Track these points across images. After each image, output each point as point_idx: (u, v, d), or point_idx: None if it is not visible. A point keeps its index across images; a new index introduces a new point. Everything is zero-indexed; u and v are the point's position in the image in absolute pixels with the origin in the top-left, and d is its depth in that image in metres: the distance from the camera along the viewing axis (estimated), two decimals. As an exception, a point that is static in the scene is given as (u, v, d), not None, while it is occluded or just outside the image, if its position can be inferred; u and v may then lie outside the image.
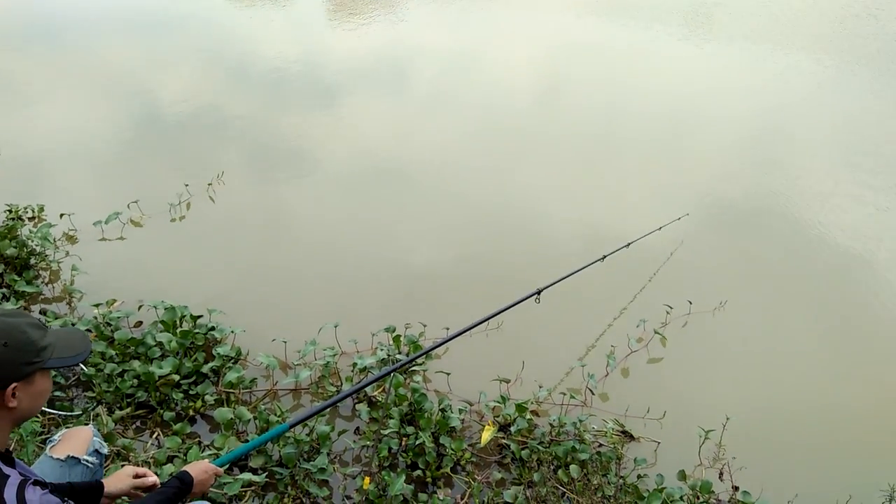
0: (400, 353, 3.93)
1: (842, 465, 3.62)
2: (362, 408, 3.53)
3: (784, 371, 4.33)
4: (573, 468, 3.19)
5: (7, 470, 1.62)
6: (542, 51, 11.64)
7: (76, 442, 2.16)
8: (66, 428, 3.01)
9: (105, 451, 2.25)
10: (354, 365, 3.78)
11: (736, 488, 3.25)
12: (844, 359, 4.51)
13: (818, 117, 9.12)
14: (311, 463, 3.07)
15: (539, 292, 3.85)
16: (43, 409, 3.08)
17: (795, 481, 3.28)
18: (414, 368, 3.84)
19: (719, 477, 3.37)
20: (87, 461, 2.13)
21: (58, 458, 2.09)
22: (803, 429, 3.86)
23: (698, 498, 3.12)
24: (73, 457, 2.10)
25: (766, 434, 3.76)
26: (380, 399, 3.61)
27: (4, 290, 4.06)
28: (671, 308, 4.60)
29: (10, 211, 5.00)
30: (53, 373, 3.29)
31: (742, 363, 4.38)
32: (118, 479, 2.13)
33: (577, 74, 10.44)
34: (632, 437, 3.61)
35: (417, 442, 3.25)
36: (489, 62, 10.77)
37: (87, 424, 3.06)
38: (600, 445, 3.46)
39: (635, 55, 11.55)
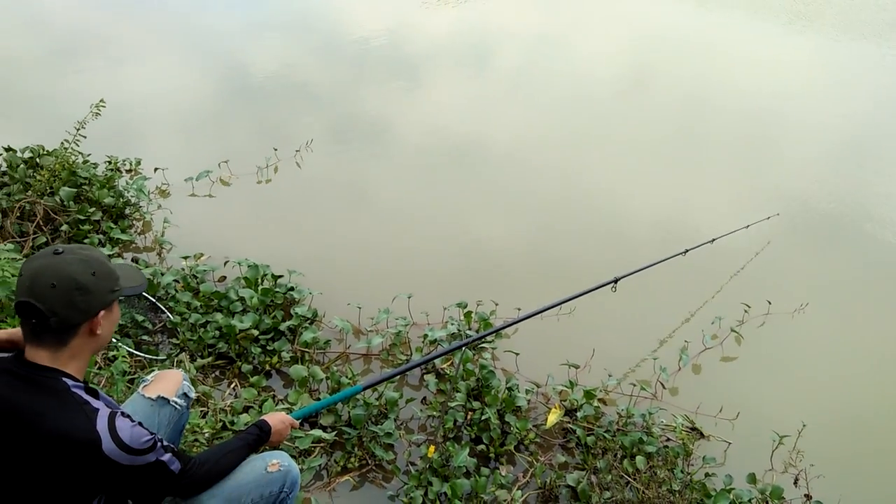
0: (470, 328, 3.95)
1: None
2: (430, 379, 3.57)
3: (864, 379, 4.15)
4: (639, 459, 3.15)
5: (95, 403, 1.69)
6: (631, 39, 11.34)
7: (167, 384, 2.26)
8: (152, 370, 3.18)
9: (193, 395, 2.35)
10: (425, 336, 3.82)
11: (808, 497, 3.14)
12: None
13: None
14: (379, 426, 3.14)
15: (616, 281, 3.80)
16: (131, 351, 3.26)
17: (873, 495, 3.14)
18: (483, 345, 3.86)
19: (794, 483, 3.25)
20: (175, 402, 2.23)
21: (149, 398, 2.19)
22: (884, 440, 3.69)
23: (767, 502, 3.04)
24: (163, 397, 2.20)
25: (843, 443, 3.62)
26: (448, 372, 3.64)
27: (101, 236, 4.28)
28: (749, 307, 4.46)
29: (110, 162, 5.24)
30: (141, 318, 3.48)
31: (819, 368, 4.21)
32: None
33: (665, 65, 10.13)
34: (702, 435, 3.53)
35: (483, 417, 3.27)
36: (575, 49, 10.57)
37: (172, 368, 3.23)
38: (668, 440, 3.40)
39: (730, 46, 11.12)
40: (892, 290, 5.09)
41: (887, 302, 4.93)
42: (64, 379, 1.68)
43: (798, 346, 4.38)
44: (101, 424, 1.65)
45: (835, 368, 4.22)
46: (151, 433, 1.75)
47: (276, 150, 5.83)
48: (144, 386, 2.25)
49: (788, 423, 3.46)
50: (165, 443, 1.79)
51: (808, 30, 12.47)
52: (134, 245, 4.51)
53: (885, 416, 3.89)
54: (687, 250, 4.43)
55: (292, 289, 3.97)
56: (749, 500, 3.01)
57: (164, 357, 3.38)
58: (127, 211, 4.68)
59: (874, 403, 3.97)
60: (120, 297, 1.80)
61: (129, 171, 5.34)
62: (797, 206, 6.07)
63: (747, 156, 7.14)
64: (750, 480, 3.16)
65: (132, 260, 4.24)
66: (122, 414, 1.72)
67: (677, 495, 2.94)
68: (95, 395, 1.75)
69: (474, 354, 3.75)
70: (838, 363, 4.27)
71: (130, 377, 3.12)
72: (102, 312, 1.71)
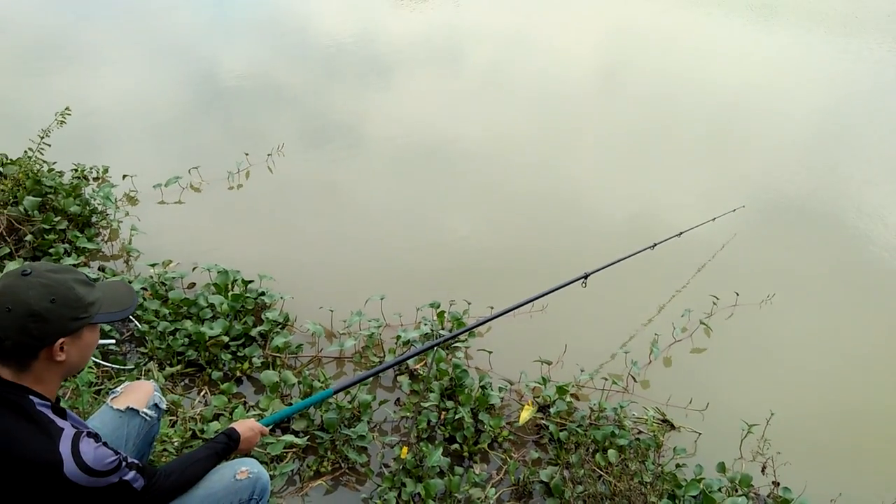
0: (443, 328, 3.96)
1: (888, 468, 3.52)
2: (403, 380, 3.58)
3: (831, 368, 4.23)
4: (611, 453, 3.18)
5: (60, 422, 1.66)
6: (600, 36, 11.45)
7: (137, 395, 2.23)
8: (119, 381, 3.15)
9: (164, 405, 2.33)
10: (398, 337, 3.83)
11: (777, 484, 3.19)
12: (894, 360, 4.37)
13: (885, 110, 8.77)
14: (352, 429, 3.14)
15: (586, 276, 3.82)
16: (97, 361, 3.23)
17: (839, 481, 3.20)
18: (456, 345, 3.88)
19: (762, 471, 3.31)
20: (145, 414, 2.20)
21: (117, 409, 2.17)
22: (850, 428, 3.78)
23: (737, 490, 3.08)
24: (132, 409, 2.18)
25: (810, 432, 3.69)
26: (421, 372, 3.65)
27: (66, 245, 4.21)
28: (718, 299, 4.53)
29: (76, 170, 5.17)
30: (108, 327, 3.44)
31: (787, 358, 4.28)
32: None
33: (634, 62, 10.23)
34: (672, 427, 3.57)
35: (456, 416, 3.28)
36: (546, 46, 10.64)
37: (138, 379, 3.19)
38: (640, 432, 3.44)
39: (697, 42, 11.25)
40: (857, 278, 5.20)
41: (853, 290, 5.04)
42: (30, 397, 1.65)
43: (766, 336, 4.45)
44: (64, 446, 1.62)
45: (802, 358, 4.30)
46: (116, 453, 1.72)
47: (247, 154, 5.80)
48: (113, 398, 2.22)
49: (757, 412, 3.52)
50: (130, 460, 1.77)
51: (773, 23, 12.66)
52: (101, 253, 4.46)
53: (850, 403, 3.97)
54: (655, 244, 4.48)
55: (263, 293, 3.95)
56: (719, 489, 3.05)
57: (132, 366, 3.35)
58: (94, 219, 4.62)
59: (840, 392, 4.06)
60: (90, 324, 1.73)
61: (96, 178, 5.28)
62: (763, 197, 6.17)
63: (715, 149, 7.25)
64: (720, 469, 3.21)
65: (98, 269, 4.18)
66: (88, 434, 1.69)
67: (649, 487, 2.98)
68: (63, 414, 1.72)
69: (447, 354, 3.76)
70: (805, 353, 4.35)
71: (97, 388, 3.09)
72: (64, 340, 1.66)
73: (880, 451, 3.66)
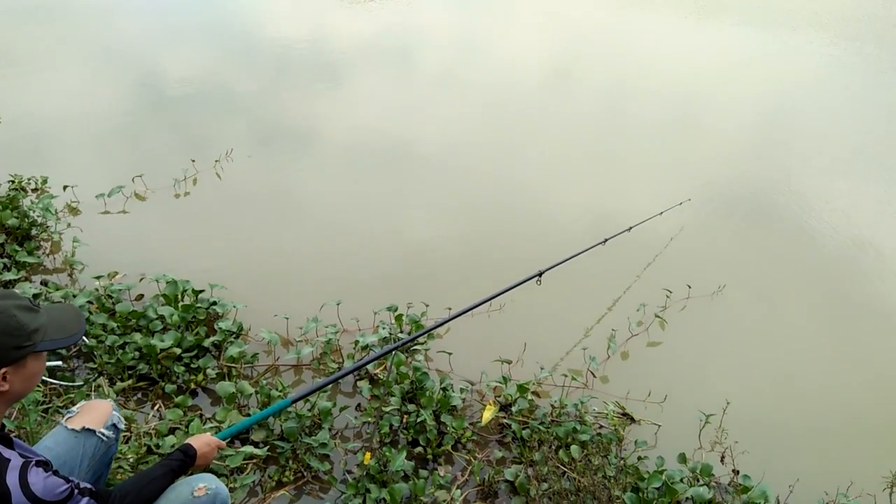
0: (402, 331, 3.92)
1: (843, 451, 3.63)
2: (364, 385, 3.53)
3: (784, 355, 4.34)
4: (574, 449, 3.19)
5: (7, 453, 1.60)
6: (549, 34, 11.57)
7: (94, 415, 2.16)
8: (68, 397, 3.03)
9: (122, 426, 2.25)
10: (356, 342, 3.78)
11: (736, 472, 3.25)
12: (845, 344, 4.53)
13: (825, 101, 9.09)
14: (313, 438, 3.08)
15: (540, 274, 3.84)
16: (44, 378, 3.09)
17: (797, 466, 3.28)
18: (416, 347, 3.84)
19: (721, 460, 3.37)
20: (102, 434, 2.13)
21: (72, 429, 2.09)
22: (804, 414, 3.88)
23: (698, 480, 3.13)
24: (88, 429, 2.10)
25: (766, 419, 3.77)
26: (381, 377, 3.61)
27: (6, 260, 4.04)
28: (671, 292, 4.60)
29: (13, 181, 4.96)
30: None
31: (741, 348, 4.39)
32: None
33: (583, 58, 10.39)
34: (633, 420, 3.61)
35: (419, 419, 3.25)
36: (497, 44, 10.72)
37: (88, 395, 3.08)
38: (601, 427, 3.47)
39: (643, 38, 11.47)
40: (804, 265, 5.36)
41: (800, 279, 5.19)
42: None
43: (719, 326, 4.55)
44: (12, 478, 1.56)
45: (754, 347, 4.40)
46: (68, 480, 1.66)
47: (193, 161, 5.66)
48: (69, 417, 2.14)
49: (714, 402, 3.59)
50: (83, 485, 1.70)
51: (715, 22, 12.99)
52: (42, 267, 4.28)
53: (803, 390, 4.08)
54: (606, 240, 4.54)
55: (215, 303, 3.85)
56: (681, 479, 3.09)
57: (82, 383, 3.21)
58: (33, 232, 4.44)
59: (793, 378, 4.16)
60: (34, 352, 1.65)
61: (34, 189, 5.08)
62: (708, 190, 6.32)
63: (664, 145, 7.40)
64: (681, 460, 3.26)
65: (41, 283, 4.01)
66: (37, 463, 1.62)
67: (612, 481, 3.00)
68: (9, 443, 1.65)
69: (407, 357, 3.72)
70: (757, 342, 4.46)
71: (45, 406, 2.96)
72: (6, 369, 1.59)
73: (835, 435, 3.77)
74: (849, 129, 8.25)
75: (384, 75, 8.97)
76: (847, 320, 4.76)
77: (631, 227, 4.89)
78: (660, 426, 3.60)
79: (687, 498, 3.00)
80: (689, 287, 4.70)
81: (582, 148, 7.18)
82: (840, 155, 7.51)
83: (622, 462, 3.17)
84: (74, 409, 2.18)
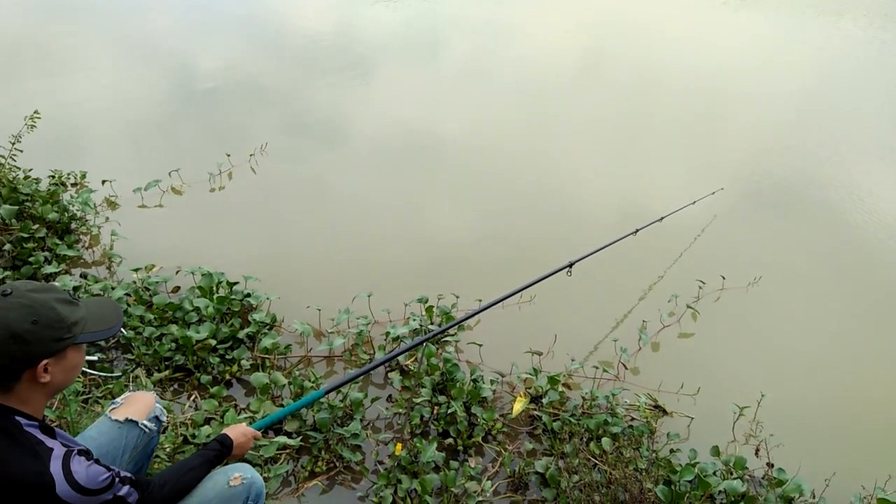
0: (432, 323, 3.94)
1: (881, 445, 3.56)
2: (395, 376, 3.56)
3: (820, 347, 4.27)
4: (605, 441, 3.18)
5: (49, 442, 1.63)
6: (580, 24, 11.45)
7: (137, 406, 2.20)
8: (107, 388, 3.11)
9: (164, 418, 2.30)
10: (387, 334, 3.81)
11: (771, 465, 3.21)
12: (882, 335, 4.43)
13: (865, 92, 8.85)
14: (345, 428, 3.11)
15: (571, 265, 3.82)
16: (84, 370, 3.17)
17: (833, 460, 3.23)
18: (446, 339, 3.86)
19: (755, 453, 3.33)
20: (144, 425, 2.17)
21: (116, 420, 2.14)
22: (841, 407, 3.81)
23: (732, 473, 3.10)
24: (131, 420, 2.15)
25: (802, 412, 3.72)
26: (412, 368, 3.63)
27: (46, 253, 4.15)
28: (703, 283, 4.54)
29: (54, 176, 5.08)
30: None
31: (776, 340, 4.31)
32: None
33: (614, 48, 10.25)
34: (665, 412, 3.59)
35: (449, 411, 3.27)
36: (525, 36, 10.63)
37: (126, 386, 3.16)
38: (632, 419, 3.45)
39: (675, 27, 11.28)
40: (841, 256, 5.24)
41: (838, 270, 5.08)
42: (17, 418, 1.62)
43: (753, 318, 4.48)
44: (55, 466, 1.59)
45: (790, 339, 4.33)
46: (109, 469, 1.69)
47: (229, 155, 5.74)
48: (113, 408, 2.19)
49: (748, 394, 3.54)
50: (123, 474, 1.74)
51: (754, 9, 12.71)
52: (82, 260, 4.39)
53: (840, 383, 4.01)
54: (637, 230, 4.50)
55: (249, 295, 3.90)
56: (714, 472, 3.06)
57: (120, 373, 3.30)
58: (73, 226, 4.55)
59: (829, 371, 4.08)
60: (74, 344, 1.68)
61: (74, 184, 5.19)
62: (742, 179, 6.23)
63: (693, 133, 7.29)
64: (714, 453, 3.22)
65: (80, 276, 4.12)
66: (79, 452, 1.66)
67: (644, 473, 2.98)
68: (51, 433, 1.68)
69: (437, 349, 3.74)
70: (793, 334, 4.38)
71: (85, 397, 3.04)
72: (47, 361, 1.62)
73: (872, 429, 3.69)
74: (890, 117, 8.03)
75: (411, 66, 8.98)
76: (885, 313, 4.65)
77: (663, 217, 4.83)
78: (692, 419, 3.57)
79: (720, 491, 2.96)
80: (724, 278, 4.64)
81: (612, 138, 7.11)
82: (881, 143, 7.32)
83: (654, 455, 3.15)
84: (119, 400, 2.23)
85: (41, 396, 1.68)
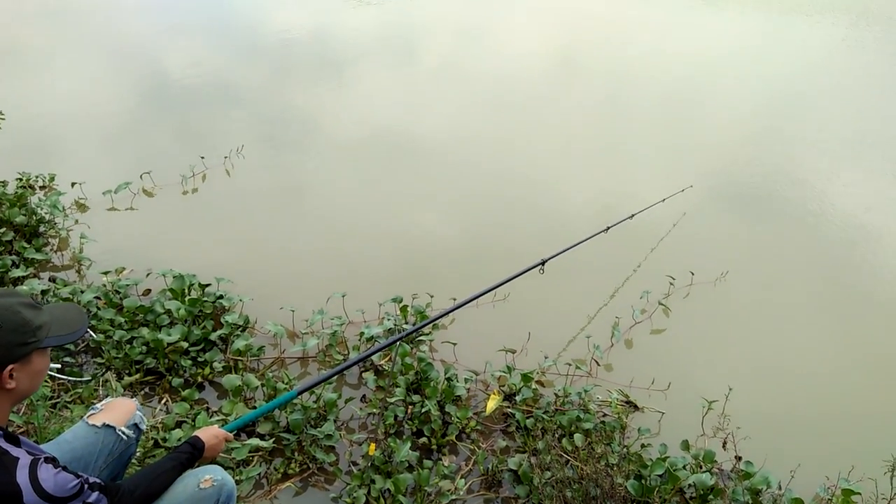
0: (406, 322, 3.95)
1: (845, 437, 3.63)
2: (369, 376, 3.56)
3: (786, 342, 4.34)
4: (577, 437, 3.22)
5: (14, 451, 1.61)
6: (552, 21, 11.51)
7: (117, 413, 2.19)
8: (75, 392, 3.07)
9: (144, 426, 2.28)
10: (361, 334, 3.81)
11: (739, 458, 3.27)
12: (846, 330, 4.52)
13: (834, 91, 9.02)
14: (318, 429, 3.11)
15: (543, 263, 3.86)
16: (52, 374, 3.14)
17: (798, 452, 3.28)
18: (420, 338, 3.87)
19: (723, 446, 3.39)
20: (122, 432, 2.16)
21: (93, 424, 2.12)
22: (806, 400, 3.89)
23: (701, 467, 3.15)
24: (108, 425, 2.13)
25: (769, 405, 3.78)
26: (386, 368, 3.64)
27: (14, 257, 4.09)
28: (674, 279, 4.61)
29: (21, 179, 5.01)
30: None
31: (744, 334, 4.39)
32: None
33: (586, 45, 10.33)
34: (636, 408, 3.63)
35: (423, 410, 3.28)
36: (498, 33, 10.67)
37: (95, 390, 3.12)
38: (604, 415, 3.49)
39: (645, 24, 11.40)
40: (807, 252, 5.34)
41: (804, 264, 5.17)
42: None
43: (722, 313, 4.55)
44: (22, 476, 1.58)
45: (757, 333, 4.40)
46: (78, 476, 1.68)
47: (202, 157, 5.69)
48: (92, 414, 2.18)
49: (717, 389, 3.60)
50: (92, 480, 1.72)
51: (723, 9, 12.88)
52: (51, 264, 4.33)
53: (805, 375, 4.08)
54: (608, 227, 4.55)
55: (221, 297, 3.89)
56: (683, 466, 3.11)
57: (89, 378, 3.27)
58: (41, 229, 4.49)
59: (795, 364, 4.16)
60: (41, 347, 1.68)
61: (42, 187, 5.13)
62: (710, 177, 6.30)
63: (664, 132, 7.38)
64: (683, 447, 3.27)
65: (49, 279, 4.07)
66: (46, 460, 1.64)
67: (615, 468, 3.02)
68: (16, 441, 1.67)
69: (412, 348, 3.75)
70: (760, 328, 4.45)
71: (53, 401, 3.01)
72: (12, 366, 1.61)
73: (836, 420, 3.77)
74: (855, 114, 8.19)
75: (387, 68, 8.97)
76: (849, 307, 4.74)
77: (633, 215, 4.89)
78: (663, 414, 3.62)
79: (689, 485, 3.01)
80: (692, 274, 4.70)
81: (584, 137, 7.17)
82: (846, 141, 7.46)
83: (625, 450, 3.19)
84: (99, 405, 2.22)
85: (5, 403, 1.66)
